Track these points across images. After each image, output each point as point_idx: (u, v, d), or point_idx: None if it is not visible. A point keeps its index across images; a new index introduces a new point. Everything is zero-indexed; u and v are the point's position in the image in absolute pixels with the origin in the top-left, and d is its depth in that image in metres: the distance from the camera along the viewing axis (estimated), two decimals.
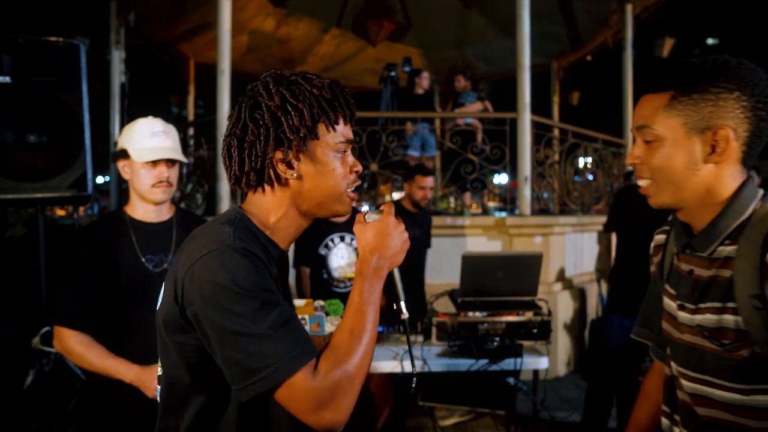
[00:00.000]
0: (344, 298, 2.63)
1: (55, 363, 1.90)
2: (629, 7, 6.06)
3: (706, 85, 0.91)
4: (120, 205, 1.96)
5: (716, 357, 0.93)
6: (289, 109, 0.93)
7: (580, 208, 5.58)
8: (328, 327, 2.47)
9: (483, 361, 2.46)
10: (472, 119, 5.74)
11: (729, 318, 0.92)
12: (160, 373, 0.98)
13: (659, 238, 1.16)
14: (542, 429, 3.22)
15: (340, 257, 3.13)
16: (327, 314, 2.47)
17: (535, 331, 2.61)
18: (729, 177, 0.95)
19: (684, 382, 1.01)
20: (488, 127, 5.57)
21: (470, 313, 2.61)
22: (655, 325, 1.17)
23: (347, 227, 3.15)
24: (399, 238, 0.99)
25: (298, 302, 2.46)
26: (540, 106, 5.33)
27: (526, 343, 2.60)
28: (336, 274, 3.12)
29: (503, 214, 5.52)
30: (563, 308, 4.68)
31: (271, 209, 0.98)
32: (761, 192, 0.96)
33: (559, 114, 7.96)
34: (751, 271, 0.89)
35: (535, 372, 2.67)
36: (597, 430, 3.14)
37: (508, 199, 5.50)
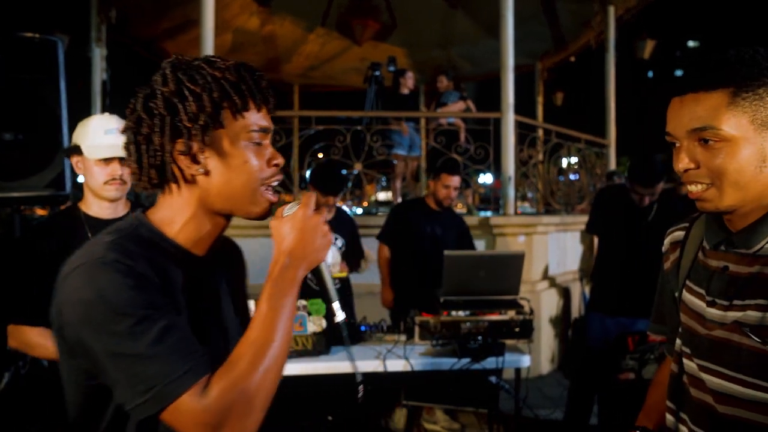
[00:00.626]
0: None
1: (31, 365, 1.87)
2: (611, 9, 6.14)
3: (767, 78, 0.87)
4: (74, 201, 1.92)
5: (754, 355, 0.90)
6: (186, 94, 0.83)
7: (563, 208, 5.63)
8: (311, 326, 2.47)
9: (465, 360, 2.47)
10: (454, 119, 5.76)
11: None
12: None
13: (677, 234, 1.12)
14: (525, 427, 3.24)
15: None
16: (309, 314, 2.46)
17: (517, 329, 2.63)
18: None
19: (708, 377, 0.98)
20: (472, 126, 5.60)
21: (453, 312, 2.62)
22: (669, 321, 1.15)
23: (332, 227, 3.14)
24: (316, 233, 0.88)
25: None
26: (524, 106, 5.37)
27: (508, 341, 2.61)
28: None
29: (488, 213, 5.55)
30: (546, 307, 4.73)
31: (178, 211, 0.88)
32: None
33: (543, 114, 8.04)
34: None
35: (518, 370, 2.69)
36: (579, 427, 3.18)
37: (492, 199, 5.57)
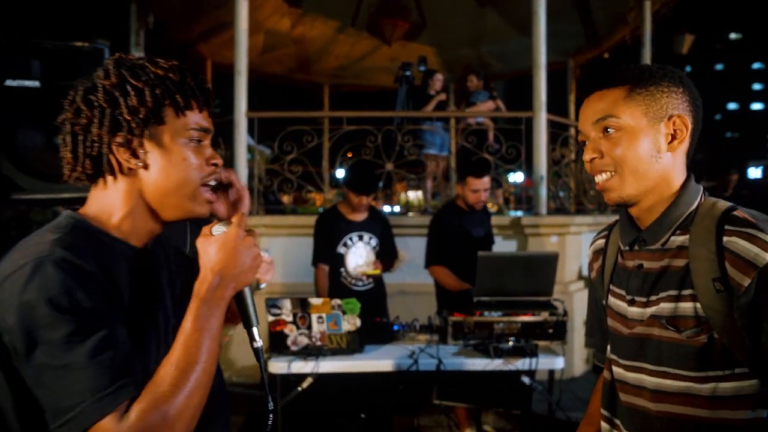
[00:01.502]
0: (361, 296, 2.66)
1: None
2: (647, 4, 5.99)
3: (657, 80, 1.00)
4: None
5: (674, 346, 0.95)
6: (128, 88, 0.83)
7: (596, 208, 5.54)
8: (345, 325, 2.50)
9: (498, 361, 2.47)
10: (483, 118, 5.73)
11: (687, 305, 0.95)
12: None
13: (598, 243, 1.19)
14: (558, 429, 3.22)
15: (358, 256, 3.16)
16: (344, 312, 2.50)
17: (550, 331, 2.62)
18: (679, 168, 1.01)
19: (635, 376, 1.02)
20: (503, 126, 5.56)
21: (486, 313, 2.63)
22: (596, 332, 1.21)
23: (366, 227, 3.18)
24: (247, 253, 0.86)
25: (316, 301, 2.50)
26: (556, 104, 5.31)
27: (541, 343, 2.60)
28: (353, 272, 3.15)
29: (519, 213, 5.50)
30: (580, 308, 4.66)
31: (115, 206, 0.87)
32: (702, 187, 1.03)
33: (576, 112, 7.89)
34: (709, 255, 0.93)
35: (551, 372, 2.67)
36: None
37: (524, 198, 5.52)
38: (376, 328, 2.76)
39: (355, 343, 2.52)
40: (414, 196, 7.51)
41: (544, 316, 2.62)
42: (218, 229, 0.88)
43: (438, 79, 5.71)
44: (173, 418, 0.74)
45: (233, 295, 0.87)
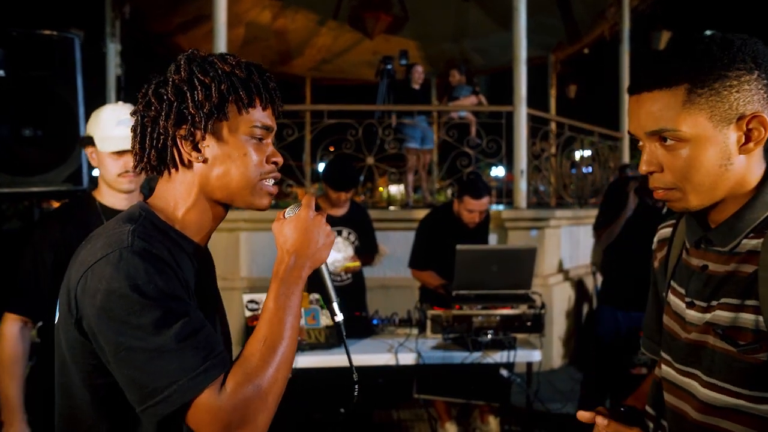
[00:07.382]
0: (339, 291, 2.63)
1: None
2: (626, 0, 6.05)
3: (722, 71, 0.81)
4: (89, 188, 1.88)
5: (727, 359, 0.85)
6: (196, 83, 0.86)
7: (576, 202, 5.59)
8: (324, 320, 2.49)
9: (477, 354, 2.49)
10: (465, 113, 5.74)
11: (748, 317, 0.83)
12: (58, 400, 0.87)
13: (664, 232, 1.07)
14: (536, 421, 3.25)
15: (336, 251, 3.14)
16: (322, 307, 2.49)
17: (528, 324, 2.64)
18: (756, 165, 0.86)
19: (688, 381, 0.93)
20: (485, 120, 5.58)
21: (465, 306, 2.64)
22: (652, 327, 1.12)
23: (345, 222, 3.16)
24: (320, 233, 0.91)
25: None
26: (537, 99, 5.35)
27: (519, 335, 2.62)
28: (332, 267, 3.13)
29: (500, 207, 5.53)
30: (559, 301, 4.72)
31: (179, 199, 0.90)
32: None
33: (556, 107, 7.97)
34: None
35: (529, 364, 2.69)
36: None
37: (504, 192, 5.54)
38: (355, 323, 2.75)
39: (333, 338, 2.51)
40: (395, 190, 7.50)
41: (522, 309, 2.64)
42: (290, 211, 0.92)
43: (417, 71, 5.69)
44: (266, 389, 0.79)
45: (310, 273, 0.92)
